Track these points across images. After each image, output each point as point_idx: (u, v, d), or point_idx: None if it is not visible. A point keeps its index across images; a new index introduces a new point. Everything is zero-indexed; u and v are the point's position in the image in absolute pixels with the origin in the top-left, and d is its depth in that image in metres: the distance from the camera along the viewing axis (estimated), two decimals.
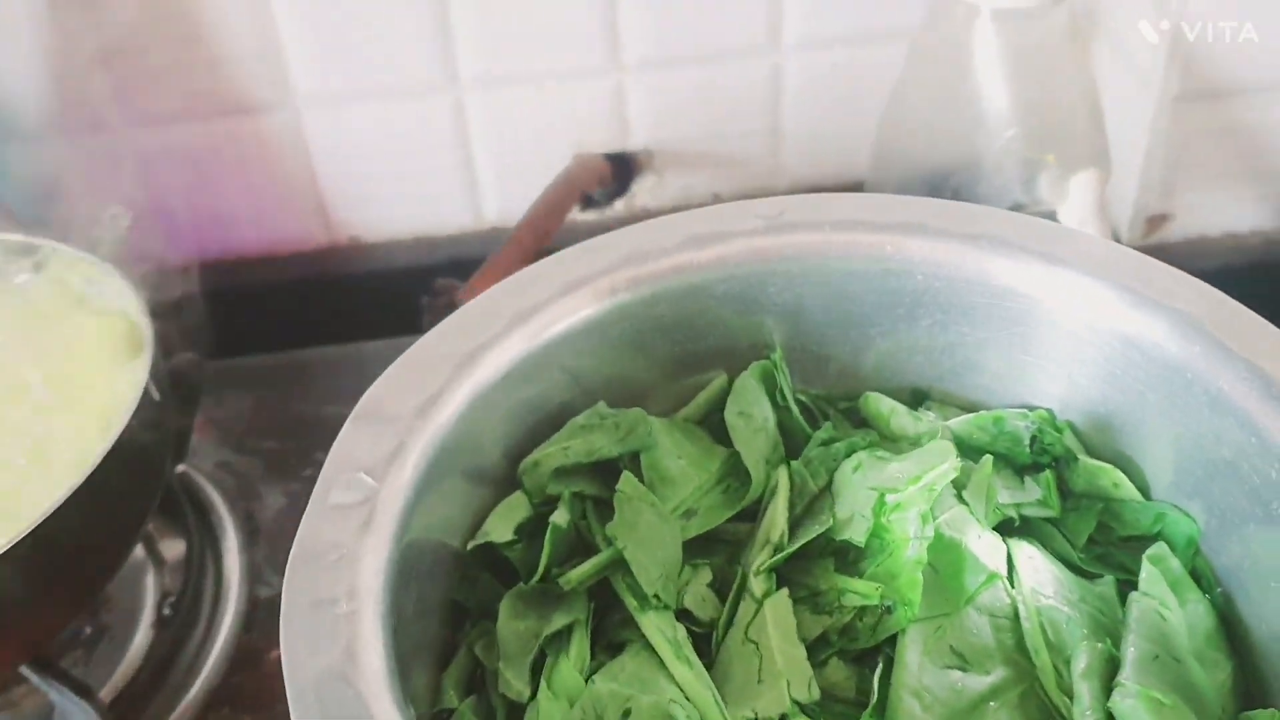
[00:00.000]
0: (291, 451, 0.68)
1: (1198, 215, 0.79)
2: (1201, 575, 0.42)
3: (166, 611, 0.59)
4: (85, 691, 0.50)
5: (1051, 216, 0.69)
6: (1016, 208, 0.70)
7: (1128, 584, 0.42)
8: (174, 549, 0.63)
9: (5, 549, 0.44)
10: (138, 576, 0.62)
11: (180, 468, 0.65)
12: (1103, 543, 0.44)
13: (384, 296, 0.72)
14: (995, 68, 0.68)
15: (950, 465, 0.39)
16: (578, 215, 0.80)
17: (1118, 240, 0.79)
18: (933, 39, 0.70)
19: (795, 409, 0.46)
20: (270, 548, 0.63)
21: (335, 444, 0.38)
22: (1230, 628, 0.41)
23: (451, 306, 0.54)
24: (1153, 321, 0.40)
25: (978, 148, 0.70)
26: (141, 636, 0.59)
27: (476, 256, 0.71)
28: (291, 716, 0.31)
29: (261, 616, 0.60)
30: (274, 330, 0.77)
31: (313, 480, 0.37)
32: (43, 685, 0.51)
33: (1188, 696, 0.36)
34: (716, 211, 0.47)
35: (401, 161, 0.77)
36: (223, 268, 0.79)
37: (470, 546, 0.41)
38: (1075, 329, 0.43)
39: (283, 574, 0.40)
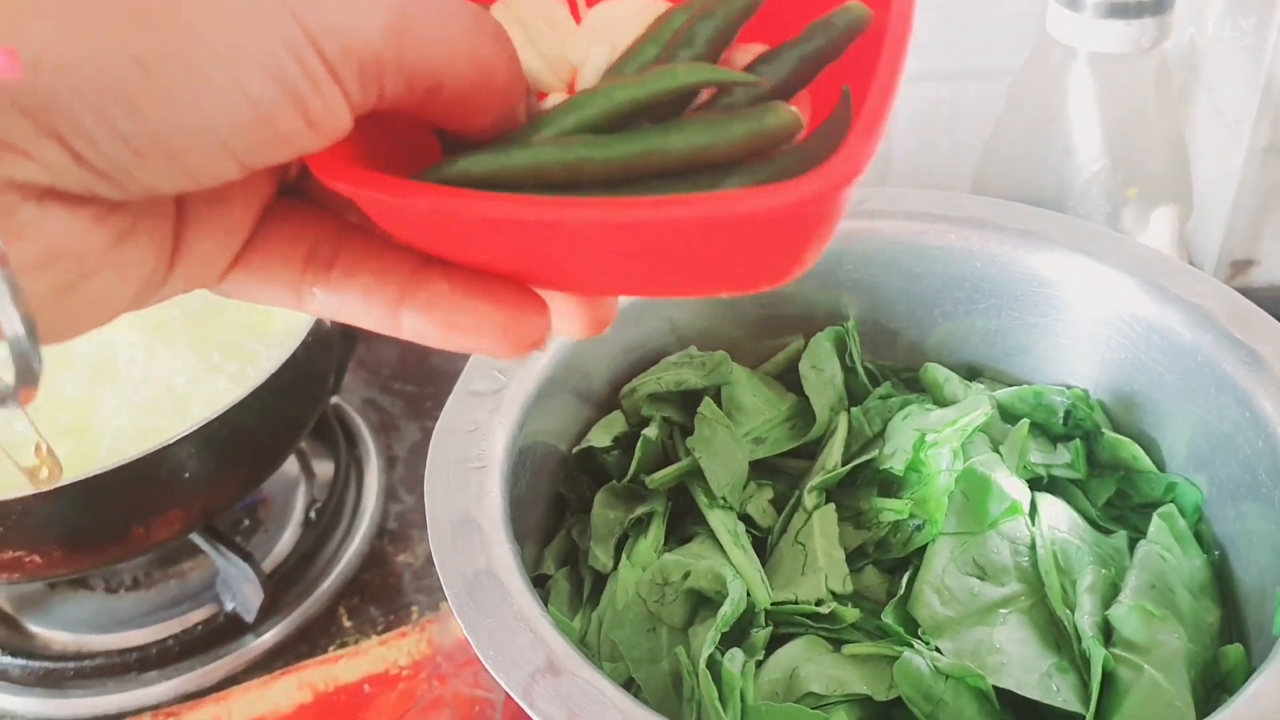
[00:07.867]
0: (428, 395, 0.78)
1: None
2: (1203, 538, 0.47)
3: (313, 516, 0.69)
4: (248, 556, 0.60)
5: None
6: None
7: (1139, 541, 0.48)
8: (324, 468, 0.73)
9: (197, 427, 0.54)
10: (292, 487, 0.72)
11: (334, 399, 0.75)
12: (1120, 507, 0.50)
13: None
14: (1088, 107, 0.74)
15: (981, 411, 0.46)
16: None
17: None
18: (1032, 78, 0.77)
19: (862, 372, 0.53)
20: (405, 471, 0.72)
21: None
22: (1223, 584, 0.46)
23: None
24: (1172, 312, 0.47)
25: (1067, 179, 0.76)
26: (290, 533, 0.69)
27: None
28: (430, 542, 0.40)
29: (392, 526, 0.69)
30: None
31: None
32: (211, 551, 0.61)
33: (1177, 618, 0.42)
34: None
35: None
36: None
37: (575, 450, 0.50)
38: (1107, 317, 0.50)
39: (414, 493, 0.48)
